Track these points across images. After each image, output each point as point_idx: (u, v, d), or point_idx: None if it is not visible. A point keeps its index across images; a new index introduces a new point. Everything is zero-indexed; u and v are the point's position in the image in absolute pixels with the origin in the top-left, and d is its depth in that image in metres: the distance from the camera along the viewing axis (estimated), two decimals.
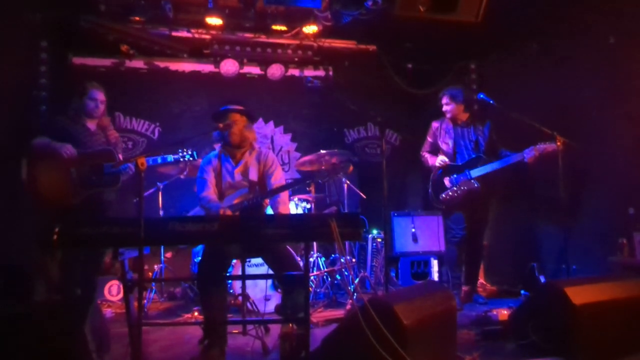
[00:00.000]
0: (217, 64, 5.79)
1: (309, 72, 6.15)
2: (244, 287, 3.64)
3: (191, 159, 3.88)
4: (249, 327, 3.45)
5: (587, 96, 4.52)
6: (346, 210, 5.15)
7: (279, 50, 5.83)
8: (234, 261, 3.95)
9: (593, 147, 4.28)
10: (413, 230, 5.46)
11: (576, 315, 2.75)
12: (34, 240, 3.91)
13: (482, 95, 4.37)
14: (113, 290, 4.91)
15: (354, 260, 5.35)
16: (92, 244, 2.53)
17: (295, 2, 4.74)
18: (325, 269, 4.93)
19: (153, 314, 4.50)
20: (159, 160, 3.91)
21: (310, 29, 5.34)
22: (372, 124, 6.55)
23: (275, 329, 3.58)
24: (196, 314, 4.21)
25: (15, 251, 4.14)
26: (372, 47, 5.99)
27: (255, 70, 5.98)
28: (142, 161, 2.55)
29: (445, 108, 4.54)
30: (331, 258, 5.21)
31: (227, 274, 3.62)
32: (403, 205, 6.24)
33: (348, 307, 4.27)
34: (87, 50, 5.50)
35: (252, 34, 5.60)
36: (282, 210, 3.50)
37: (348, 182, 5.24)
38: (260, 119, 6.20)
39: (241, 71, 5.86)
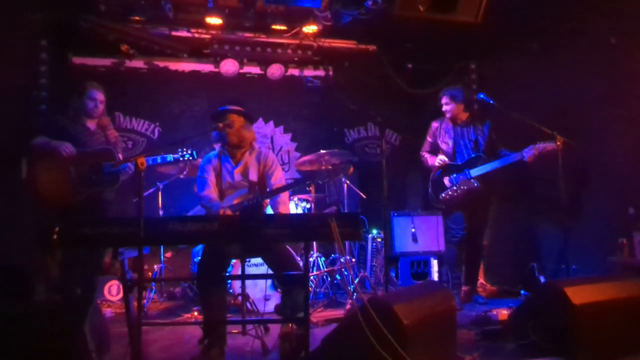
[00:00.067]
0: (217, 63, 5.79)
1: (308, 72, 6.15)
2: (243, 287, 3.64)
3: (191, 158, 3.88)
4: (249, 327, 3.45)
5: (587, 96, 4.52)
6: (346, 210, 5.15)
7: (279, 50, 5.82)
8: (234, 261, 3.95)
9: (593, 147, 4.29)
10: (413, 230, 5.46)
11: (576, 315, 2.75)
12: (34, 240, 3.90)
13: (482, 95, 4.37)
14: (113, 290, 4.91)
15: (353, 260, 5.34)
16: (92, 244, 2.53)
17: (295, 2, 4.74)
18: (325, 269, 4.93)
19: (153, 313, 4.50)
20: (159, 160, 3.91)
21: (310, 28, 5.34)
22: (372, 124, 6.55)
23: (275, 329, 3.58)
24: (196, 313, 4.21)
25: (15, 251, 4.14)
26: (372, 47, 5.98)
27: (255, 70, 5.98)
28: (142, 161, 2.56)
29: (445, 108, 4.54)
30: (331, 258, 5.21)
31: (227, 274, 3.62)
32: (403, 205, 6.24)
33: (348, 307, 4.26)
34: (87, 50, 5.49)
35: (252, 33, 5.60)
36: (282, 210, 3.50)
37: (348, 182, 5.24)
38: (260, 119, 6.20)
39: (241, 71, 5.85)
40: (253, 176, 3.56)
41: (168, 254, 5.21)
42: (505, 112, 4.23)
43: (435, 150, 4.63)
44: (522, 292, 4.82)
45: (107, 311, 4.51)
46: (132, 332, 2.53)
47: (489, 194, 4.51)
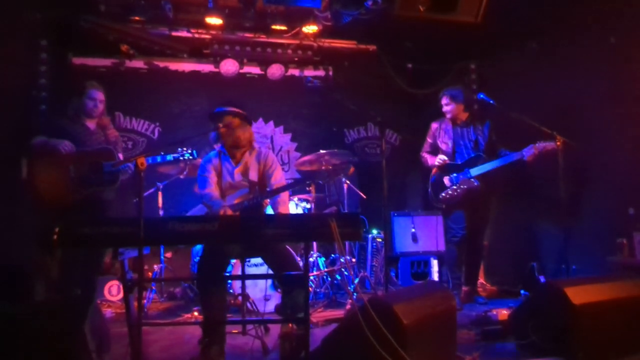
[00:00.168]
0: (217, 63, 5.78)
1: (309, 72, 6.15)
2: (243, 287, 3.64)
3: (191, 157, 3.88)
4: (249, 327, 3.45)
5: (587, 96, 4.52)
6: (346, 210, 5.15)
7: (279, 50, 5.83)
8: (234, 261, 3.95)
9: (593, 147, 4.29)
10: (413, 230, 5.46)
11: (576, 315, 2.75)
12: (34, 240, 3.90)
13: (482, 95, 4.37)
14: (113, 290, 4.91)
15: (353, 260, 5.34)
16: (92, 244, 2.53)
17: (295, 2, 4.74)
18: (325, 269, 4.93)
19: (153, 314, 4.50)
20: (159, 159, 3.91)
21: (310, 28, 5.34)
22: (372, 124, 6.54)
23: (275, 329, 3.58)
24: (196, 313, 4.21)
25: (15, 251, 4.14)
26: (372, 47, 5.99)
27: (255, 70, 5.98)
28: (142, 161, 2.56)
29: (445, 109, 4.54)
30: (331, 258, 5.20)
31: (227, 274, 3.62)
32: (403, 205, 6.24)
33: (348, 307, 4.26)
34: (87, 50, 5.49)
35: (252, 33, 5.60)
36: (282, 210, 3.50)
37: (348, 182, 5.24)
38: (260, 119, 6.20)
39: (241, 71, 5.85)
40: (253, 176, 3.57)
41: (168, 254, 5.21)
42: (505, 112, 4.24)
43: (435, 151, 4.63)
44: (522, 292, 4.82)
45: (107, 311, 4.51)
46: (132, 332, 2.53)
47: (489, 193, 4.51)
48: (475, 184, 4.34)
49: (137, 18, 5.01)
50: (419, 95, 6.09)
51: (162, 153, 3.91)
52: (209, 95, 5.92)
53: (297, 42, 5.72)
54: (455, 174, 4.42)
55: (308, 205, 4.98)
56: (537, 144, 4.09)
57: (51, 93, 5.16)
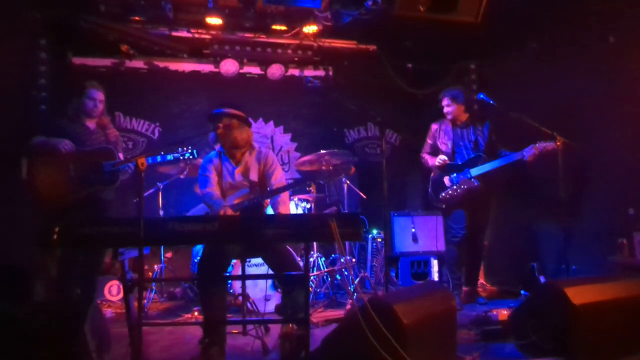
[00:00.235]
0: (217, 64, 5.79)
1: (309, 72, 6.15)
2: (243, 287, 3.64)
3: (191, 157, 3.88)
4: (249, 327, 3.45)
5: (587, 96, 4.52)
6: (346, 210, 5.15)
7: (279, 50, 5.83)
8: (234, 261, 3.95)
9: (593, 147, 4.29)
10: (413, 230, 5.46)
11: (576, 315, 2.75)
12: (34, 240, 3.90)
13: (482, 96, 4.37)
14: (113, 290, 4.91)
15: (354, 260, 5.34)
16: (92, 244, 2.53)
17: (295, 2, 4.74)
18: (325, 269, 4.93)
19: (153, 314, 4.50)
20: (159, 159, 3.91)
21: (310, 29, 5.34)
22: (372, 124, 6.54)
23: (275, 329, 3.58)
24: (196, 314, 4.20)
25: (15, 251, 4.14)
26: (372, 47, 5.99)
27: (255, 70, 5.98)
28: (142, 161, 2.56)
29: (446, 110, 4.54)
30: (331, 258, 5.20)
31: (227, 274, 3.62)
32: (403, 205, 6.24)
33: (348, 307, 4.26)
34: (87, 50, 5.49)
35: (252, 33, 5.60)
36: (282, 210, 3.50)
37: (348, 182, 5.24)
38: (260, 119, 6.20)
39: (241, 71, 5.85)
40: (254, 176, 3.57)
41: (168, 254, 5.21)
42: (505, 112, 4.24)
43: (435, 152, 4.63)
44: (522, 292, 4.82)
45: (108, 311, 4.51)
46: (132, 333, 2.53)
47: (489, 194, 4.51)
48: (475, 184, 4.34)
49: (137, 18, 5.01)
50: (419, 95, 6.09)
51: (162, 153, 3.91)
52: (209, 95, 5.92)
53: (297, 42, 5.72)
54: (455, 174, 4.42)
55: (308, 205, 4.98)
56: (537, 144, 4.10)
57: (51, 93, 5.16)
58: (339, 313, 4.22)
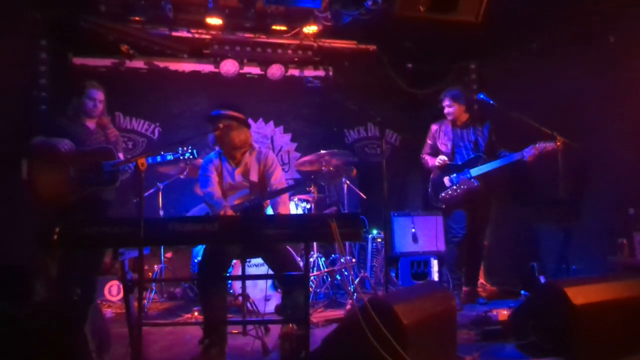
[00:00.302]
0: (217, 64, 5.78)
1: (309, 72, 6.14)
2: (244, 287, 3.64)
3: (191, 157, 3.88)
4: (249, 327, 3.45)
5: (587, 96, 4.52)
6: (346, 211, 5.15)
7: (279, 50, 5.82)
8: (234, 261, 3.95)
9: (593, 147, 4.29)
10: (413, 230, 5.46)
11: (576, 315, 2.75)
12: (34, 240, 3.90)
13: (482, 96, 4.37)
14: (113, 290, 4.91)
15: (354, 260, 5.34)
16: (92, 244, 2.53)
17: (295, 2, 4.74)
18: (325, 269, 4.93)
19: (153, 314, 4.50)
20: (159, 159, 3.91)
21: (310, 29, 5.34)
22: (372, 124, 6.54)
23: (275, 329, 3.58)
24: (196, 314, 4.20)
25: (15, 251, 4.14)
26: (372, 47, 5.99)
27: (255, 70, 5.98)
28: (142, 161, 2.56)
29: (447, 110, 4.53)
30: (331, 258, 5.20)
31: (227, 274, 3.62)
32: (403, 205, 6.24)
33: (348, 307, 4.27)
34: (87, 50, 5.48)
35: (252, 34, 5.60)
36: (282, 210, 3.50)
37: (348, 182, 5.24)
38: (260, 119, 6.20)
39: (241, 71, 5.85)
40: (254, 177, 3.57)
41: (168, 254, 5.21)
42: (505, 112, 4.24)
43: (435, 152, 4.63)
44: (522, 292, 4.82)
45: (108, 311, 4.51)
46: (132, 333, 2.53)
47: (489, 194, 4.51)
48: (475, 184, 4.34)
49: (137, 18, 5.01)
50: (419, 95, 6.09)
51: (162, 153, 3.91)
52: (209, 96, 5.91)
53: (297, 42, 5.72)
54: (455, 174, 4.43)
55: (308, 206, 4.98)
56: (537, 144, 4.10)
57: (51, 93, 5.16)
58: (339, 313, 4.22)
